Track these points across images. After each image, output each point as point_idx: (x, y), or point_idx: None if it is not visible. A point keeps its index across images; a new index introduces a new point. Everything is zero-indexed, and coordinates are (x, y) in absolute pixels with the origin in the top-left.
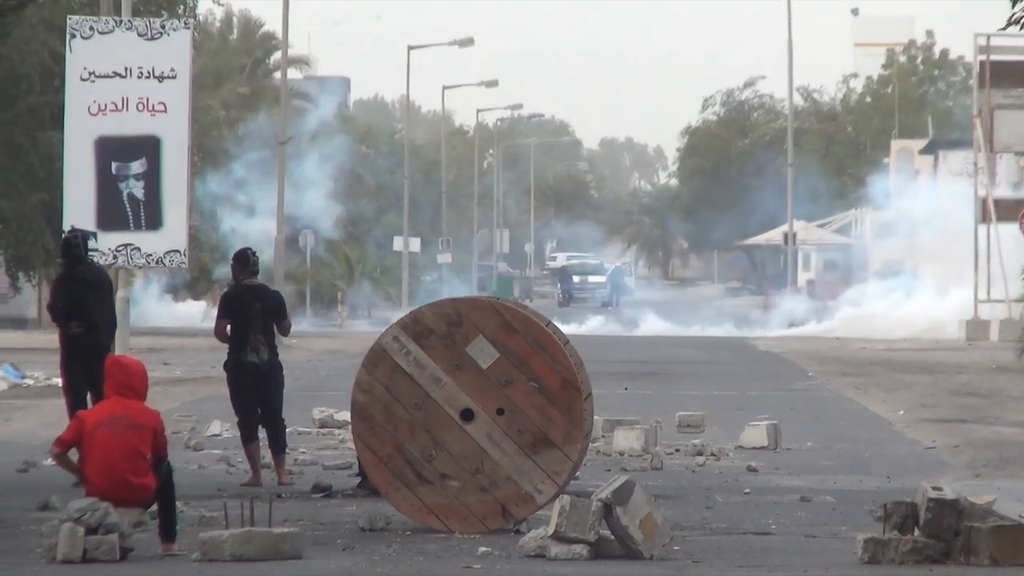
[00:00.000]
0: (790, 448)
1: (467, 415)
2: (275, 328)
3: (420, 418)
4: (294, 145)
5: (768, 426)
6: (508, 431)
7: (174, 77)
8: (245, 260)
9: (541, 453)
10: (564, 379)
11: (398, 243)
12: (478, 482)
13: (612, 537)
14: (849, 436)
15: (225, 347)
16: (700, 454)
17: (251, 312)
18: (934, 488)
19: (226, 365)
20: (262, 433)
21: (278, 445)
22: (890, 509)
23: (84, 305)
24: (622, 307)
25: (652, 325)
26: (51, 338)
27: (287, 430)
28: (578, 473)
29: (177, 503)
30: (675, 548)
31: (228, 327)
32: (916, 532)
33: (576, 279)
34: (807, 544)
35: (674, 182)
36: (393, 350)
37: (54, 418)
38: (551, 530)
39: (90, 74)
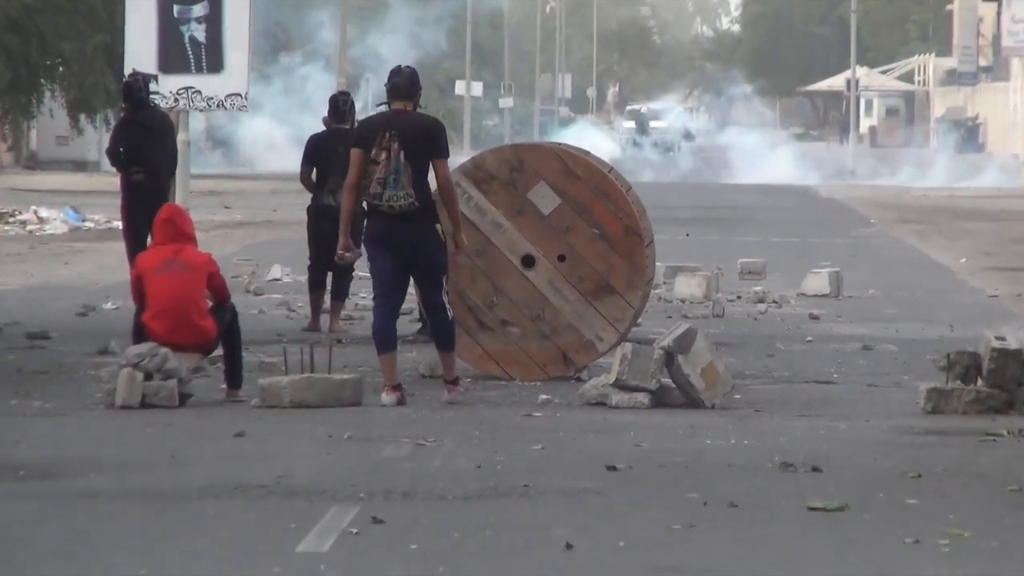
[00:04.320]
0: (852, 296)
1: (528, 262)
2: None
3: (481, 264)
4: None
5: (830, 273)
6: (569, 278)
7: None
8: (335, 105)
9: (602, 300)
10: (626, 226)
11: (460, 87)
12: (539, 329)
13: (673, 385)
14: (911, 284)
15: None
16: (762, 301)
17: (333, 155)
18: (997, 338)
19: (308, 209)
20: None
21: (337, 292)
22: (953, 359)
23: (146, 150)
24: (686, 152)
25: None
26: (111, 181)
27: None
28: (639, 320)
29: None
30: (736, 397)
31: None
32: (979, 382)
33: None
34: (869, 393)
35: (736, 28)
36: None
37: (113, 262)
38: (612, 378)
39: None
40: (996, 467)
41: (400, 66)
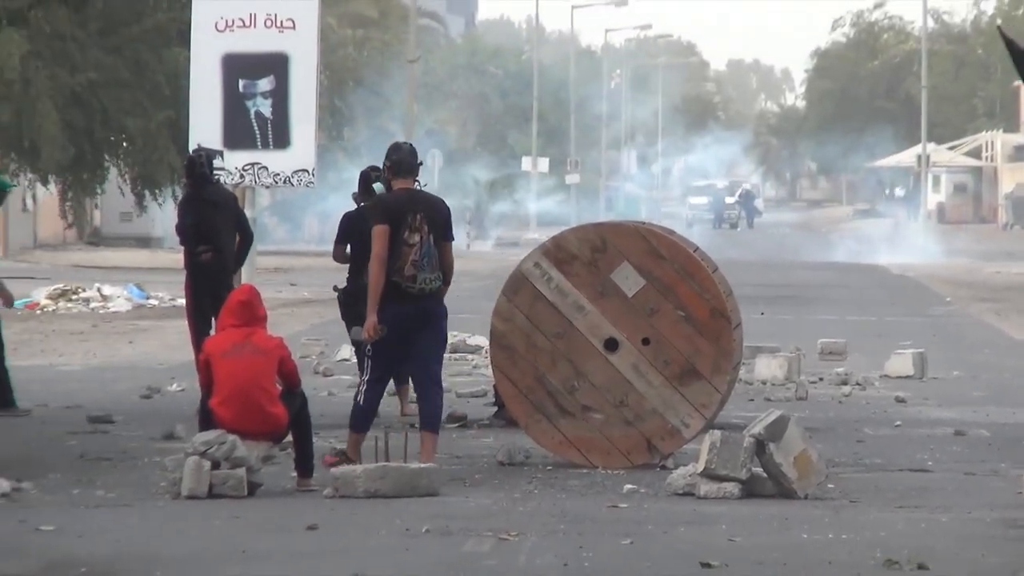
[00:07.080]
0: (937, 377)
1: (611, 345)
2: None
3: (562, 348)
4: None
5: (914, 354)
6: (654, 362)
7: None
8: (366, 181)
9: (688, 385)
10: (713, 308)
11: (526, 163)
12: (622, 415)
13: (764, 475)
14: (996, 365)
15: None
16: (845, 383)
17: (368, 233)
18: None
19: (342, 293)
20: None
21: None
22: None
23: (213, 228)
24: (754, 228)
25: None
26: (175, 258)
27: None
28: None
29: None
30: (830, 486)
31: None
32: None
33: (703, 200)
34: (967, 482)
35: (801, 104)
36: (534, 277)
37: (177, 340)
38: (701, 467)
39: None
40: None
41: (398, 142)
